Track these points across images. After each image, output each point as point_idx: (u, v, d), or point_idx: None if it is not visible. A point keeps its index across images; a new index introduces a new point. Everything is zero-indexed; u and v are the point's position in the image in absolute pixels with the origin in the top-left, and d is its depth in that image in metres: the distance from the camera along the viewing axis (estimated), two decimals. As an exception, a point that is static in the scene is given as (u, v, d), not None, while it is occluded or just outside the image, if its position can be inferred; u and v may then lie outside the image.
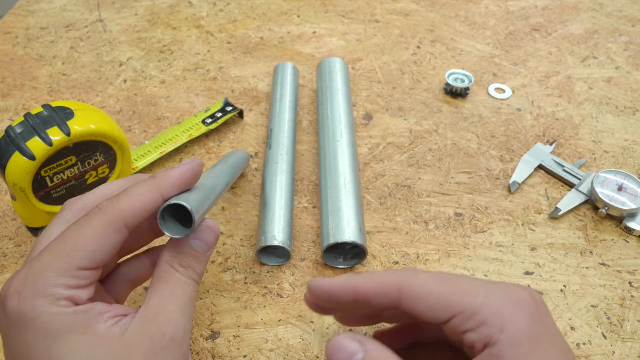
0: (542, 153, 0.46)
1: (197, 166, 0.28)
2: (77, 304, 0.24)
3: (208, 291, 0.37)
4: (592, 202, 0.42)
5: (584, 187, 0.43)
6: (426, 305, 0.25)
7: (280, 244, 0.37)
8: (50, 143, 0.35)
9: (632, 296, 0.37)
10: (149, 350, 0.24)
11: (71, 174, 0.37)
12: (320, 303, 0.29)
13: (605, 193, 0.41)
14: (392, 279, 0.26)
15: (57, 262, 0.24)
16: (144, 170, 0.45)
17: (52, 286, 0.23)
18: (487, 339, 0.24)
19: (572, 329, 0.35)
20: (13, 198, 0.38)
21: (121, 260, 0.31)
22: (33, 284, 0.23)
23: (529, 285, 0.36)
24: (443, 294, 0.25)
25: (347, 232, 0.36)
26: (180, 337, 0.25)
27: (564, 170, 0.44)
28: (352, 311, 0.30)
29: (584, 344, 0.34)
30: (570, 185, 0.44)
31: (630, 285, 0.37)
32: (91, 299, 0.25)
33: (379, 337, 0.32)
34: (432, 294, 0.25)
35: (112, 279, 0.30)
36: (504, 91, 0.54)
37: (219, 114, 0.48)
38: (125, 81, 0.55)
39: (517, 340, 0.23)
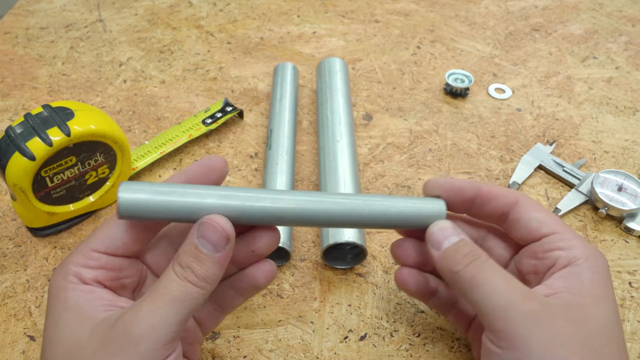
0: (542, 153, 0.46)
1: (218, 162, 0.28)
2: (84, 283, 0.26)
3: (208, 291, 0.37)
4: (592, 203, 0.42)
5: (584, 188, 0.43)
6: (535, 219, 0.29)
7: (280, 245, 0.37)
8: (50, 143, 0.35)
9: (632, 297, 0.37)
10: (111, 346, 0.23)
11: (71, 174, 0.37)
12: (447, 194, 0.30)
13: (605, 193, 0.41)
14: (510, 192, 0.30)
15: (80, 245, 0.27)
16: (143, 170, 0.45)
17: (68, 263, 0.26)
18: (571, 260, 0.27)
19: (572, 329, 0.35)
20: (13, 198, 0.38)
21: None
22: (61, 263, 0.27)
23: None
24: (550, 217, 0.29)
25: (347, 232, 0.36)
26: (148, 338, 0.23)
27: (564, 171, 0.44)
28: (423, 262, 0.32)
29: (584, 344, 0.34)
30: (570, 186, 0.44)
31: (630, 286, 0.37)
32: (100, 282, 0.26)
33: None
34: (541, 213, 0.29)
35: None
36: (504, 91, 0.54)
37: (219, 114, 0.48)
38: (125, 81, 0.55)
39: (598, 270, 0.27)
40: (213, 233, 0.25)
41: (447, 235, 0.28)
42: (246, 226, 0.28)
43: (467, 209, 0.31)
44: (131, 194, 0.25)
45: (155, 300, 0.24)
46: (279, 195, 0.27)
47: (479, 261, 0.27)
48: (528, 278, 0.29)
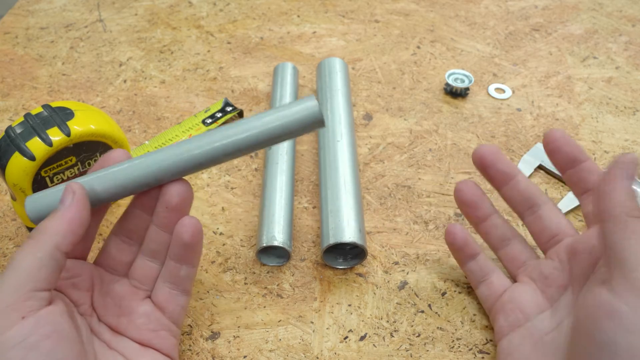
0: (542, 153, 0.46)
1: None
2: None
3: (208, 292, 0.37)
4: (592, 203, 0.42)
5: (584, 188, 0.43)
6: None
7: (281, 245, 0.37)
8: (50, 143, 0.35)
9: (632, 296, 0.37)
10: None
11: (71, 174, 0.37)
12: (559, 150, 0.32)
13: (605, 193, 0.41)
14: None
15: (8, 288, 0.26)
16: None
17: (10, 311, 0.26)
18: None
19: (572, 329, 0.35)
20: (13, 198, 0.38)
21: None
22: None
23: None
24: None
25: (347, 232, 0.36)
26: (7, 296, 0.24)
27: (564, 171, 0.44)
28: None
29: (584, 344, 0.34)
30: (570, 186, 0.44)
31: (630, 286, 0.37)
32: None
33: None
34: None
35: None
36: (504, 91, 0.54)
37: (219, 114, 0.48)
38: (125, 81, 0.55)
39: None
40: (63, 193, 0.28)
41: (633, 173, 0.27)
42: (154, 190, 0.30)
43: (567, 168, 0.33)
44: (35, 209, 0.29)
45: (2, 272, 0.26)
46: (145, 160, 0.29)
47: None
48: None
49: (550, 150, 0.33)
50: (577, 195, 0.33)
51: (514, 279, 0.34)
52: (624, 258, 0.24)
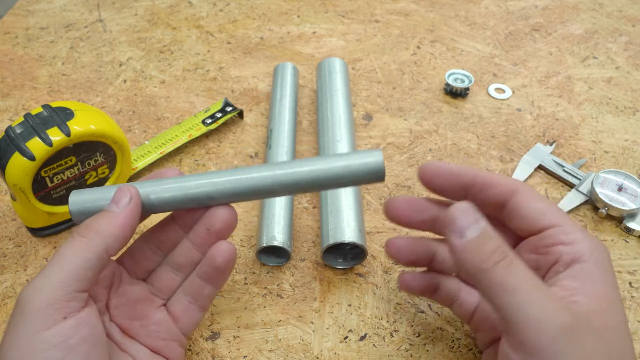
0: (542, 153, 0.46)
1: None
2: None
3: (208, 292, 0.37)
4: (592, 203, 0.42)
5: (584, 188, 0.43)
6: (535, 209, 0.27)
7: (280, 245, 0.37)
8: (50, 143, 0.34)
9: (632, 297, 0.37)
10: (11, 319, 0.25)
11: (71, 174, 0.37)
12: (432, 184, 0.30)
13: (605, 193, 0.41)
14: (509, 180, 0.29)
15: (51, 281, 0.26)
16: (144, 171, 0.45)
17: (48, 307, 0.25)
18: (576, 256, 0.26)
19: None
20: (13, 198, 0.38)
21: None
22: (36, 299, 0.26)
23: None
24: (550, 208, 0.28)
25: (347, 232, 0.36)
26: (30, 300, 0.24)
27: (564, 171, 0.44)
28: (425, 226, 0.31)
29: (584, 344, 0.34)
30: (571, 186, 0.44)
31: (630, 286, 0.37)
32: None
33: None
34: (541, 203, 0.28)
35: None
36: (504, 91, 0.54)
37: (219, 115, 0.48)
38: (125, 81, 0.55)
39: (603, 265, 0.26)
40: (117, 193, 0.28)
41: (470, 223, 0.25)
42: (202, 209, 0.30)
43: (462, 196, 0.30)
44: (79, 202, 0.29)
45: (47, 266, 0.25)
46: (202, 179, 0.29)
47: (507, 261, 0.25)
48: None
49: (432, 189, 0.30)
50: (497, 214, 0.30)
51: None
52: (507, 319, 0.24)
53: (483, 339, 0.31)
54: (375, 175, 0.29)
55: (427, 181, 0.30)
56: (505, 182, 0.29)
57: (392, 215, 0.32)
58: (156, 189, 0.29)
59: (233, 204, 0.30)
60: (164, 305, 0.31)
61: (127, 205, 0.27)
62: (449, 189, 0.30)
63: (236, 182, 0.29)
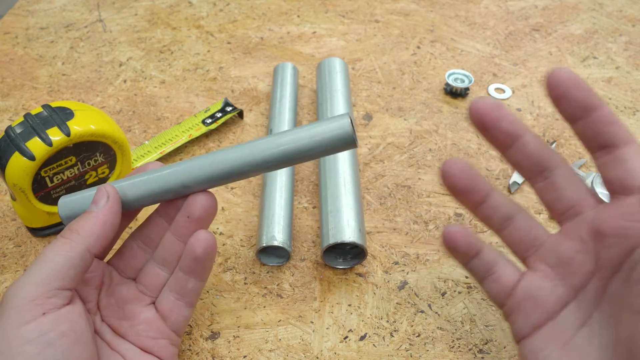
0: (542, 153, 0.46)
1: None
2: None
3: (208, 291, 0.37)
4: (592, 203, 0.42)
5: (584, 188, 0.43)
6: None
7: (280, 245, 0.37)
8: (50, 143, 0.35)
9: (632, 296, 0.37)
10: None
11: (71, 174, 0.37)
12: (569, 90, 0.26)
13: (605, 193, 0.41)
14: (628, 131, 0.26)
15: (34, 278, 0.27)
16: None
17: (30, 304, 0.26)
18: None
19: (572, 329, 0.35)
20: (13, 198, 0.38)
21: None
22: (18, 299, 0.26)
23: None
24: None
25: (347, 232, 0.36)
26: (12, 296, 0.25)
27: (564, 171, 0.44)
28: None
29: (584, 344, 0.34)
30: (571, 186, 0.44)
31: (630, 286, 0.37)
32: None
33: None
34: None
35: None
36: (504, 91, 0.54)
37: (219, 114, 0.48)
38: (125, 81, 0.55)
39: None
40: (96, 194, 0.28)
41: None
42: (180, 200, 0.30)
43: (574, 117, 0.26)
44: (68, 207, 0.30)
45: (30, 265, 0.26)
46: (174, 168, 0.29)
47: None
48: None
49: (556, 97, 0.26)
50: (592, 152, 0.27)
51: (524, 264, 0.30)
52: None
53: (523, 324, 0.28)
54: (345, 142, 0.27)
55: (562, 92, 0.26)
56: (624, 130, 0.26)
57: (451, 182, 0.29)
58: (132, 184, 0.29)
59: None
60: (153, 303, 0.31)
61: (106, 204, 0.28)
62: (569, 98, 0.26)
63: (208, 167, 0.28)
